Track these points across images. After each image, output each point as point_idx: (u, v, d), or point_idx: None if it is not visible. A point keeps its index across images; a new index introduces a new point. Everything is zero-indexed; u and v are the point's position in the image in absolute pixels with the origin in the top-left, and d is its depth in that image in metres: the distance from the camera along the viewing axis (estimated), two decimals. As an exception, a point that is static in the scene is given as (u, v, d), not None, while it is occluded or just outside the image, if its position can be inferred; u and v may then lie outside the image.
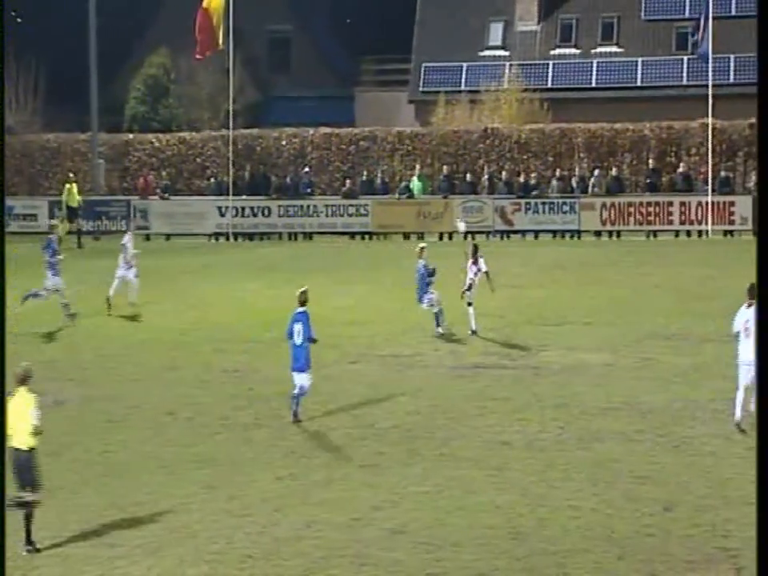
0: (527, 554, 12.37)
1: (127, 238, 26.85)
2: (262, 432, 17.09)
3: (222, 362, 21.45)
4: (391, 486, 14.60)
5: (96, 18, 42.88)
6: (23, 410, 12.61)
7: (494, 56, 50.32)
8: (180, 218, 41.29)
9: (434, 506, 13.86)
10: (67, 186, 40.63)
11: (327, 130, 44.57)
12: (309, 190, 41.80)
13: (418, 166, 42.13)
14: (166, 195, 42.00)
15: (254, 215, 41.33)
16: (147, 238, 40.55)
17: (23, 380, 12.84)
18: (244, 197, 41.34)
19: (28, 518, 12.74)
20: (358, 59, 53.88)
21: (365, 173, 42.28)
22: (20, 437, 12.57)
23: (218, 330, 24.35)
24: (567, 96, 48.32)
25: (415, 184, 41.26)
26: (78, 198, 40.35)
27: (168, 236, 41.39)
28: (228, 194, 41.17)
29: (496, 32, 50.98)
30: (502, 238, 39.75)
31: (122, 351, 22.64)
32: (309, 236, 41.00)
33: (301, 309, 17.32)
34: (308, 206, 41.16)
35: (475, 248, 23.84)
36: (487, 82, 47.21)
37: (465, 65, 49.99)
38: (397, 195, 41.07)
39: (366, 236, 40.55)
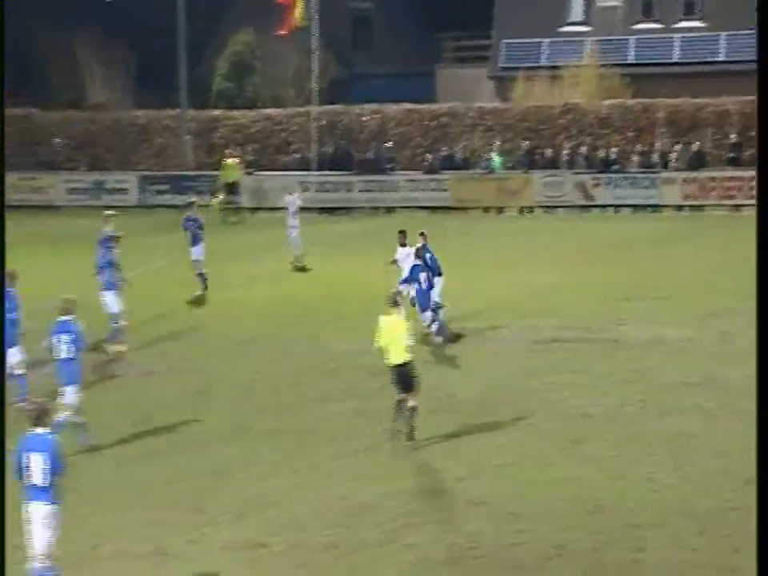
0: (606, 527, 12.24)
1: (292, 199, 28.82)
2: (345, 404, 17.11)
3: (307, 335, 21.50)
4: (472, 457, 14.53)
5: (184, -2, 43.15)
6: (398, 330, 14.54)
7: (575, 32, 49.64)
8: (265, 192, 41.45)
9: (515, 477, 13.77)
10: (224, 161, 40.81)
11: (408, 106, 44.38)
12: (390, 165, 41.73)
13: (497, 142, 41.80)
14: (251, 170, 42.19)
15: (337, 190, 41.38)
16: (229, 210, 40.78)
17: (394, 303, 14.73)
18: (327, 172, 41.38)
19: (411, 418, 14.71)
20: (438, 36, 53.52)
21: (445, 148, 42.08)
22: (395, 354, 14.64)
23: (296, 303, 24.42)
24: (649, 71, 47.50)
25: (495, 159, 40.97)
26: (237, 173, 40.44)
27: (253, 209, 41.57)
28: (311, 169, 41.21)
29: (577, 7, 50.30)
30: (581, 212, 39.33)
31: (196, 323, 22.79)
32: (389, 210, 40.93)
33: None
34: (389, 181, 41.12)
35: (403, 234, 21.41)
36: (567, 58, 46.60)
37: (545, 41, 49.42)
38: (477, 170, 40.83)
39: (446, 210, 40.37)
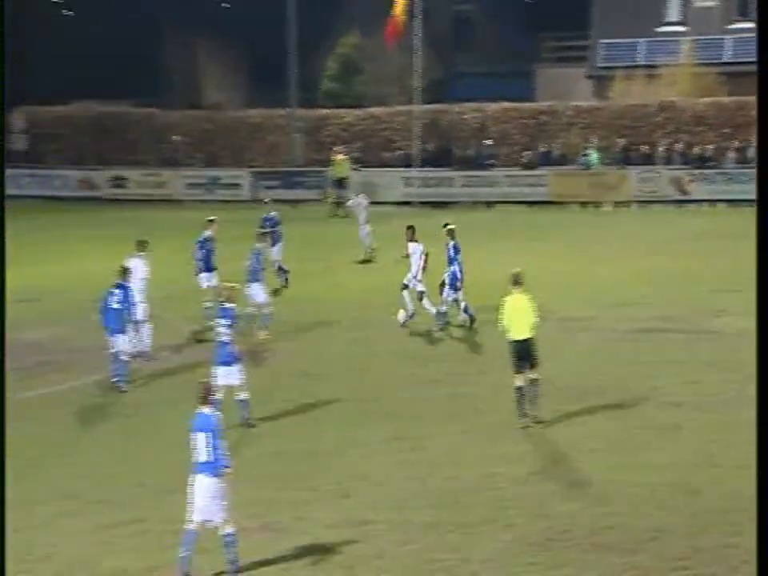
0: (701, 511, 11.96)
1: (358, 201, 29.05)
2: (441, 388, 17.02)
3: (413, 321, 21.43)
4: (567, 441, 14.33)
5: (295, 2, 43.39)
6: (523, 307, 14.77)
7: (671, 32, 48.74)
8: (369, 187, 41.49)
9: (610, 462, 13.53)
10: (334, 158, 41.06)
11: (507, 104, 44.01)
12: (490, 162, 41.46)
13: (594, 139, 41.23)
14: (358, 167, 42.27)
15: (438, 185, 41.26)
16: (339, 205, 40.92)
17: (516, 282, 14.96)
18: (428, 168, 41.28)
19: (534, 392, 14.90)
20: (537, 36, 53.01)
21: (543, 145, 41.66)
22: (519, 330, 14.78)
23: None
24: (744, 70, 46.40)
25: (592, 155, 40.44)
26: (346, 169, 40.59)
27: (360, 204, 41.61)
28: (413, 166, 41.14)
29: (673, 8, 49.36)
30: (677, 207, 38.60)
31: (320, 309, 22.87)
32: (489, 205, 40.67)
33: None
34: (489, 177, 40.87)
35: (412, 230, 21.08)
36: (664, 57, 45.77)
37: (642, 41, 48.63)
38: (575, 166, 40.37)
39: (544, 205, 39.96)
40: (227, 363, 15.31)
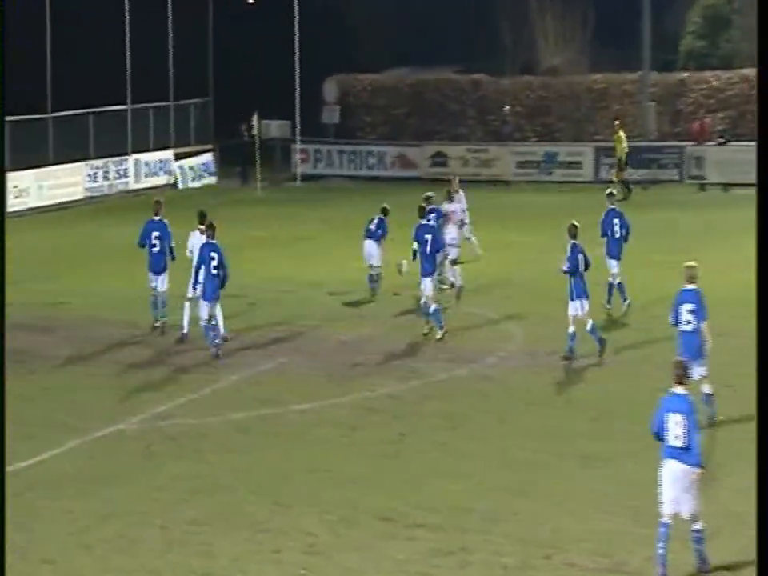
0: None
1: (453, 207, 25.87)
2: None
3: None
4: None
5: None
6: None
7: None
8: (740, 165, 40.27)
9: None
10: (618, 134, 40.76)
11: None
12: None
13: None
14: (724, 140, 41.16)
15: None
16: (702, 188, 40.03)
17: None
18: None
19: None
20: None
21: None
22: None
23: None
24: None
25: None
26: (624, 145, 40.37)
27: (725, 186, 40.52)
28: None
29: None
30: None
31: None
32: None
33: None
34: None
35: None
36: None
37: None
38: None
39: None
40: (695, 357, 15.51)
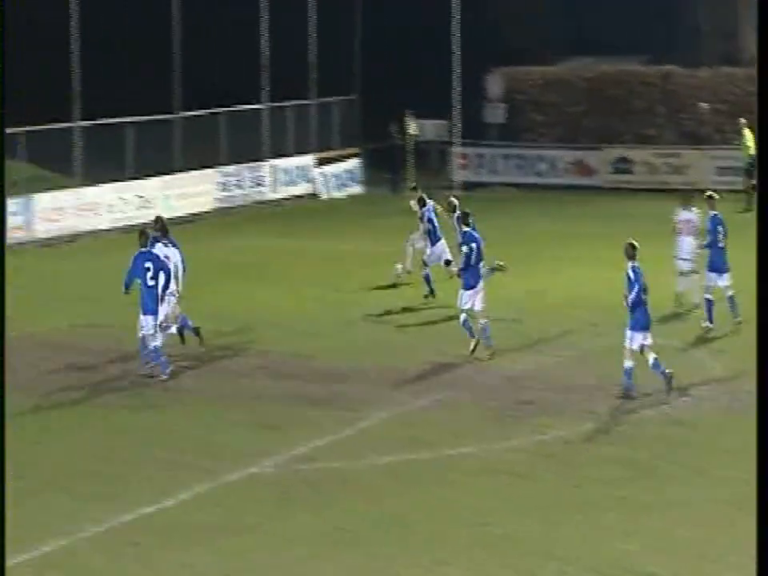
0: None
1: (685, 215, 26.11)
2: None
3: None
4: None
5: None
6: None
7: None
8: None
9: None
10: (743, 132, 39.79)
11: None
12: None
13: None
14: None
15: None
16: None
17: None
18: None
19: None
20: None
21: None
22: None
23: None
24: None
25: None
26: (750, 146, 39.27)
27: None
28: None
29: None
30: None
31: None
32: None
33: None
34: None
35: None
36: None
37: None
38: None
39: None
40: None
